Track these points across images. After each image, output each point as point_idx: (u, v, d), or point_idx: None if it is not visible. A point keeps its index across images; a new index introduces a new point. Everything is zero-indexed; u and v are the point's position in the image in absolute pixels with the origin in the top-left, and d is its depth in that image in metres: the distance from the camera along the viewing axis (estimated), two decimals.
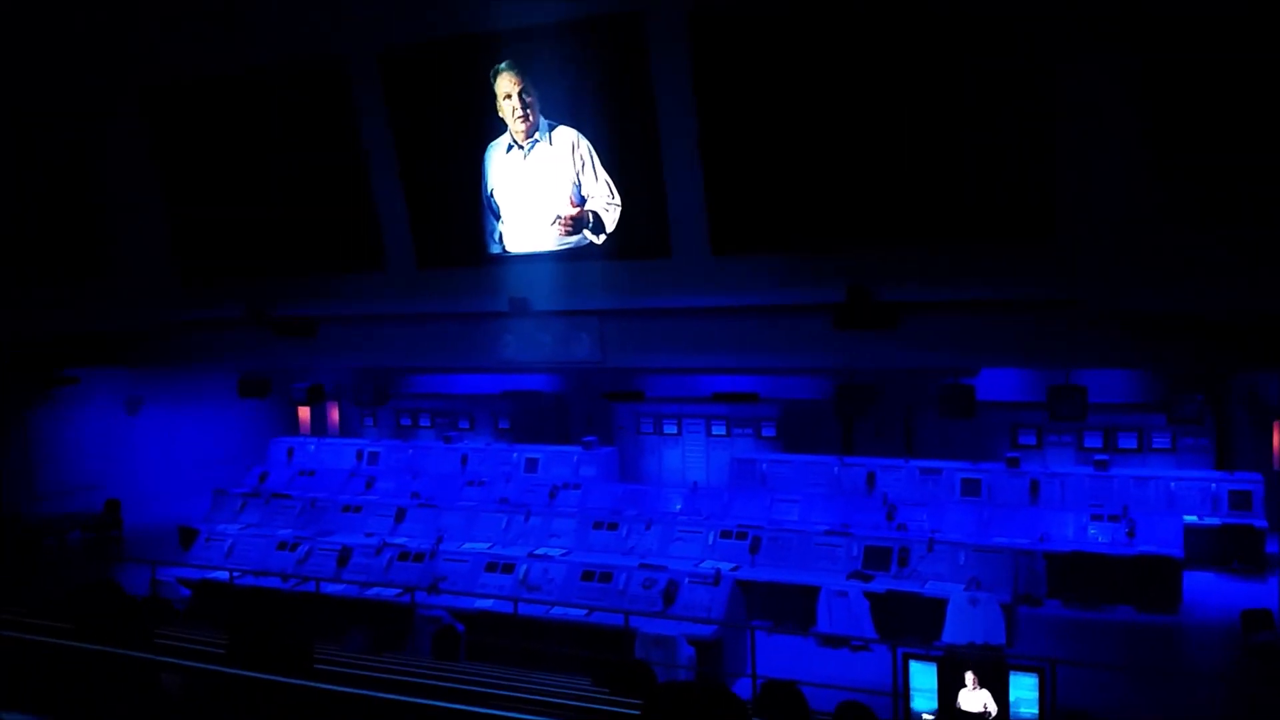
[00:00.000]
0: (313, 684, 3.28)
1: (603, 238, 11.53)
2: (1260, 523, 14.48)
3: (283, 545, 13.81)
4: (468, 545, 14.14)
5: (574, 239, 11.69)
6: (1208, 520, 14.56)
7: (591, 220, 11.54)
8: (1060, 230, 9.53)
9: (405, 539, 14.38)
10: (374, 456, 19.90)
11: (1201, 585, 13.71)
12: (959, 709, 7.50)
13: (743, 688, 10.51)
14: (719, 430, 19.77)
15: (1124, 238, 9.28)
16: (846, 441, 18.53)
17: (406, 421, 22.21)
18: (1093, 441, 16.96)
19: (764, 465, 17.31)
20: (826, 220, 10.48)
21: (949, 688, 7.62)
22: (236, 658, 3.54)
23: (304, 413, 22.99)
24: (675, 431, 20.14)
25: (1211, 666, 11.26)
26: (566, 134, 11.40)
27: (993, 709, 7.47)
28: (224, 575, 13.03)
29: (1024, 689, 7.61)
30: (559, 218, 11.68)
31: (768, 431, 19.31)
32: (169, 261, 14.05)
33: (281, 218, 13.05)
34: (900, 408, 18.16)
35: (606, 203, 11.42)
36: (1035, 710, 7.59)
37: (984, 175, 9.74)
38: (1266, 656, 10.97)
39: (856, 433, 18.64)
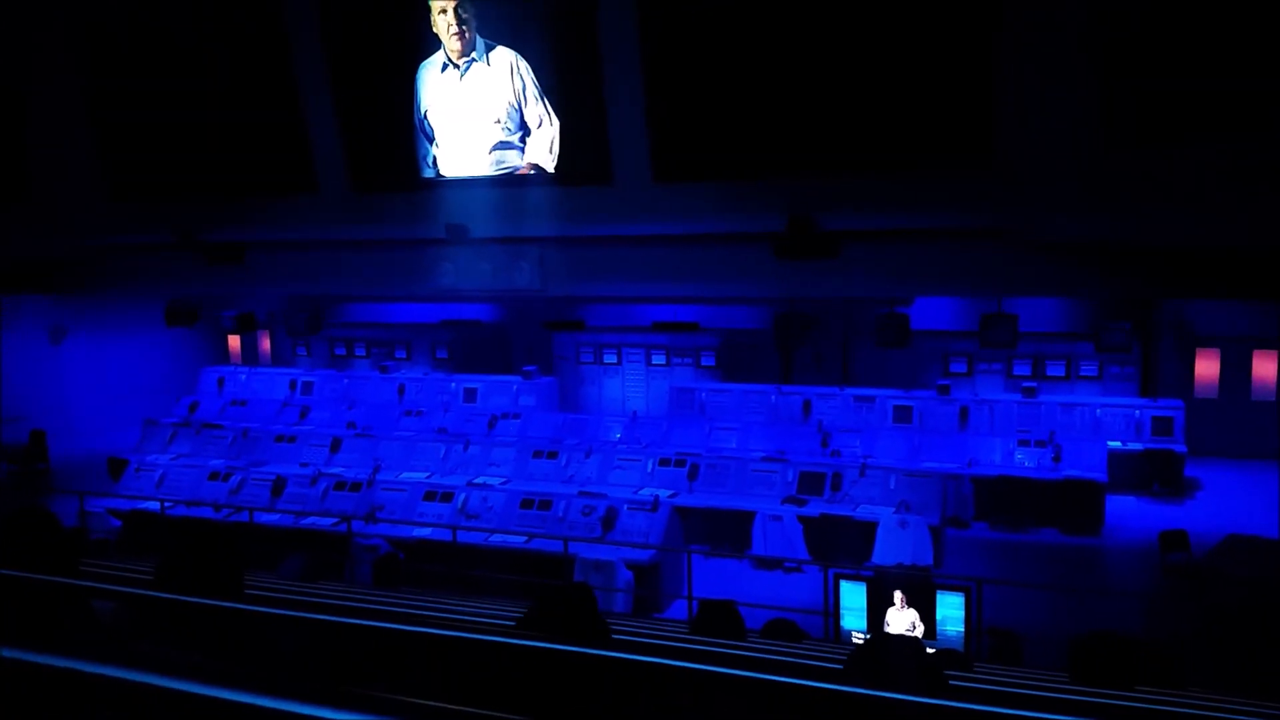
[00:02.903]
0: (243, 606, 3.23)
1: (506, 165, 11.35)
2: (1180, 448, 15.01)
3: (215, 475, 13.61)
4: (406, 475, 14.05)
5: (503, 159, 11.47)
6: (1131, 445, 15.05)
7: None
8: (997, 159, 9.58)
9: (341, 469, 14.25)
10: (308, 386, 19.59)
11: (1123, 508, 14.23)
12: (887, 626, 7.73)
13: (679, 609, 10.71)
14: (659, 360, 19.81)
15: (1058, 167, 9.36)
16: (785, 370, 18.71)
17: (341, 351, 21.85)
18: (1022, 369, 17.37)
19: (703, 394, 17.41)
20: (768, 147, 10.41)
21: (878, 606, 7.86)
22: (165, 582, 3.48)
23: (234, 341, 22.50)
24: (615, 361, 20.14)
25: (1130, 585, 11.73)
26: (505, 55, 11.10)
27: (920, 627, 7.71)
28: (155, 506, 12.81)
29: (950, 608, 7.87)
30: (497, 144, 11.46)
31: (707, 361, 19.41)
32: (95, 184, 13.49)
33: (210, 138, 12.58)
34: (838, 337, 18.38)
35: (539, 126, 11.20)
36: (961, 628, 7.86)
37: (923, 103, 9.73)
38: (1181, 575, 11.47)
39: (795, 362, 18.83)
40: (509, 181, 11.53)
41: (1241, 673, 8.51)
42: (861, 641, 6.81)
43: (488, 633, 3.66)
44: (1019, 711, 2.31)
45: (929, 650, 6.99)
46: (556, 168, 11.26)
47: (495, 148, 11.53)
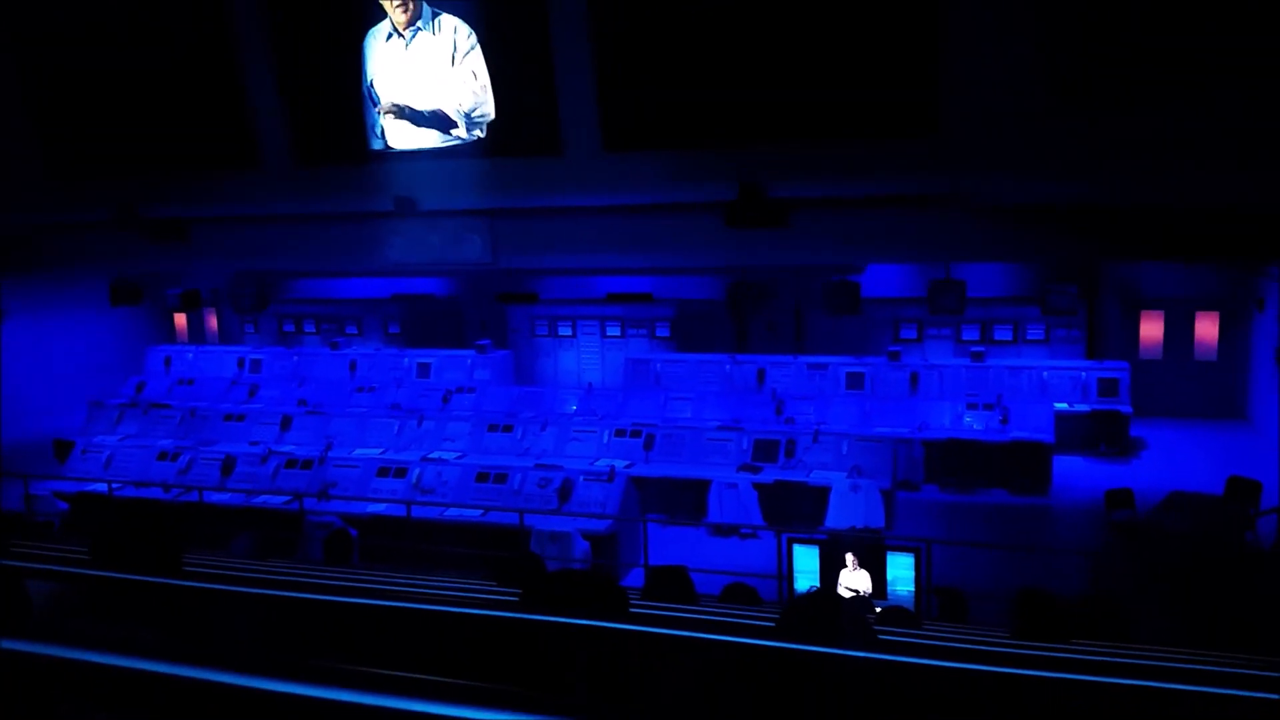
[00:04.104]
0: (175, 582, 3.19)
1: (452, 138, 11.22)
2: (1126, 408, 15.32)
3: (163, 455, 13.41)
4: (359, 451, 13.95)
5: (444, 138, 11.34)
6: (1077, 407, 15.34)
7: (442, 120, 11.21)
8: (942, 125, 9.65)
9: (293, 447, 14.09)
10: (256, 364, 19.30)
11: (1070, 468, 14.51)
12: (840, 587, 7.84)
13: (636, 577, 10.78)
14: (614, 331, 19.79)
15: (1003, 132, 9.45)
16: (739, 339, 18.79)
17: (290, 328, 21.52)
18: (970, 334, 17.59)
19: (658, 365, 17.44)
20: (718, 116, 10.38)
21: (830, 568, 7.97)
22: (100, 561, 3.42)
23: (180, 320, 22.09)
24: (570, 333, 20.08)
25: (1076, 543, 11.99)
26: (451, 23, 10.93)
27: (868, 588, 7.83)
28: (102, 488, 12.60)
29: (901, 568, 8.01)
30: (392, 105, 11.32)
31: (662, 331, 19.42)
32: (32, 160, 13.11)
33: (149, 112, 12.27)
34: (791, 305, 18.47)
35: (473, 103, 11.06)
36: (911, 587, 8.00)
37: (870, 70, 9.76)
38: (1126, 532, 11.75)
39: (749, 331, 18.91)
40: (458, 153, 11.40)
41: (1182, 625, 8.76)
42: (791, 600, 6.91)
43: (434, 604, 3.66)
44: (932, 661, 2.36)
45: (877, 608, 7.11)
46: (507, 138, 11.13)
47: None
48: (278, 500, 12.07)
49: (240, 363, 19.44)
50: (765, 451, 13.25)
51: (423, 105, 11.33)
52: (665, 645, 2.60)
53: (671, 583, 5.51)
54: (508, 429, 14.40)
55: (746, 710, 2.53)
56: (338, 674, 2.35)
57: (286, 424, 15.21)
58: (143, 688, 2.48)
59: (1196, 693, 2.72)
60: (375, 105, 11.53)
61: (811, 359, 16.69)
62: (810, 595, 3.63)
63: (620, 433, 14.01)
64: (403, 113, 11.38)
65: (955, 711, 2.44)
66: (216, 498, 12.31)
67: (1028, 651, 3.53)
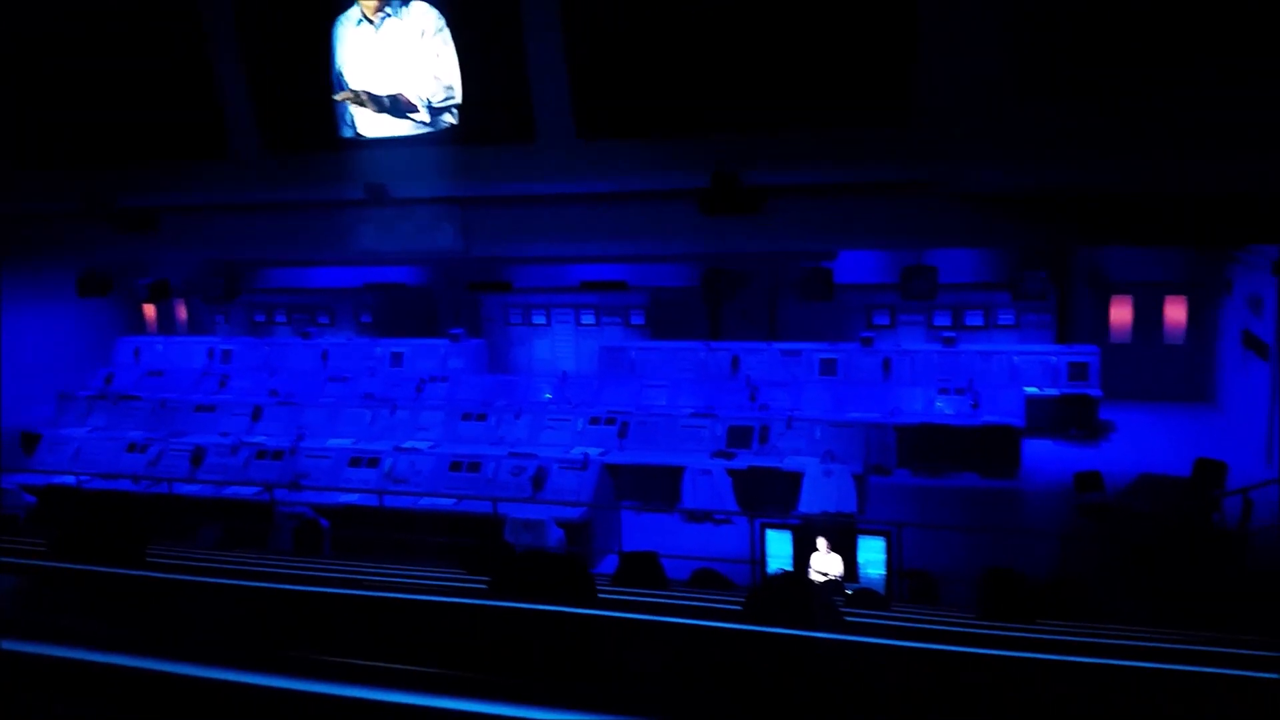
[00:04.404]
0: (137, 573, 3.15)
1: (428, 123, 11.15)
2: (1095, 392, 15.48)
3: (132, 447, 13.27)
4: (331, 441, 13.86)
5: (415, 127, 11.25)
6: (1047, 391, 15.48)
7: (401, 106, 11.14)
8: (915, 112, 9.68)
9: (264, 437, 13.99)
10: (227, 355, 19.12)
11: (1040, 451, 14.66)
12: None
13: (611, 564, 10.79)
14: (588, 319, 19.76)
15: (975, 119, 9.50)
16: (714, 327, 18.81)
17: (261, 318, 21.33)
18: (942, 320, 17.70)
19: (633, 352, 17.44)
20: (692, 103, 10.37)
21: (803, 553, 8.01)
22: (61, 553, 3.38)
23: (150, 310, 21.81)
24: (544, 322, 20.03)
25: (1046, 525, 12.12)
26: (421, 9, 10.83)
27: (840, 571, 7.88)
28: (71, 480, 12.46)
29: (872, 551, 8.07)
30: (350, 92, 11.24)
31: (636, 319, 19.41)
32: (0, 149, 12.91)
33: (117, 100, 12.10)
34: (765, 292, 18.50)
35: (434, 89, 10.98)
36: (882, 571, 8.06)
37: (844, 58, 9.77)
38: (1095, 514, 11.89)
39: (723, 318, 18.94)
40: (430, 140, 11.31)
41: (1149, 604, 8.88)
42: (759, 583, 6.96)
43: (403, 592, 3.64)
44: (894, 641, 2.37)
45: (848, 591, 7.16)
46: (479, 126, 11.06)
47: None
48: (249, 491, 11.98)
49: (210, 353, 19.26)
50: (739, 438, 13.29)
51: (384, 91, 11.23)
52: (631, 629, 2.61)
53: (642, 568, 5.52)
54: (481, 418, 14.35)
55: (714, 692, 2.54)
56: (300, 664, 2.34)
57: (257, 414, 15.09)
58: (106, 681, 2.45)
59: (1159, 669, 2.75)
60: (340, 93, 11.43)
61: (785, 345, 16.74)
62: (777, 578, 3.65)
63: (595, 420, 14.00)
64: (359, 98, 11.29)
65: (919, 690, 2.46)
66: (186, 489, 12.20)
67: (990, 631, 3.56)
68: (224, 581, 3.24)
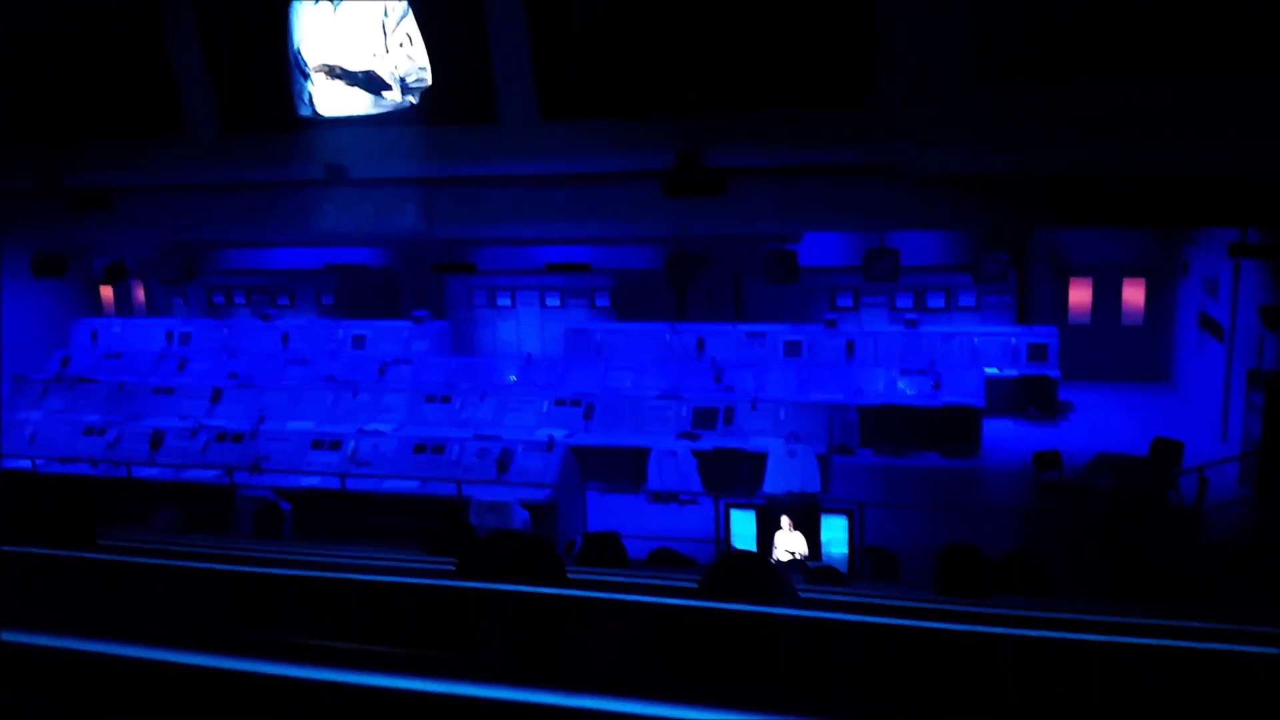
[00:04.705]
0: (88, 555, 3.10)
1: (387, 102, 11.02)
2: (1054, 373, 15.68)
3: (90, 430, 13.07)
4: (292, 424, 13.73)
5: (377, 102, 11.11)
6: (1007, 371, 15.66)
7: (376, 82, 11.00)
8: (880, 94, 9.71)
9: (223, 420, 13.83)
10: (185, 337, 18.85)
11: (1000, 431, 14.84)
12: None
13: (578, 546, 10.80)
14: (553, 302, 19.69)
15: (939, 101, 9.54)
16: (679, 309, 18.82)
17: (220, 299, 21.01)
18: (904, 302, 17.83)
19: (598, 335, 17.41)
20: (655, 83, 10.34)
21: (766, 532, 8.07)
22: (9, 535, 3.31)
23: (106, 292, 21.44)
24: (509, 304, 19.93)
25: (1006, 503, 12.29)
26: None
27: (804, 550, 7.94)
28: (25, 464, 12.26)
29: (835, 530, 8.14)
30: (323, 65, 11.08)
31: (601, 301, 19.37)
32: None
33: (70, 76, 11.85)
34: (729, 274, 18.53)
35: (407, 68, 10.84)
36: (845, 549, 8.14)
37: (807, 40, 9.77)
38: (1054, 493, 12.07)
39: (688, 300, 18.95)
40: (391, 120, 11.18)
41: (1106, 579, 9.04)
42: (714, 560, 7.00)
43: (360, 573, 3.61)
44: (850, 617, 2.39)
45: (809, 567, 7.22)
46: (441, 105, 10.95)
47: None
48: (208, 475, 11.85)
49: (169, 336, 18.98)
50: (704, 419, 13.33)
51: (355, 67, 11.09)
52: (595, 607, 2.61)
53: (604, 548, 5.53)
54: (445, 400, 14.28)
55: (671, 668, 2.55)
56: (260, 646, 2.31)
57: (217, 397, 14.91)
58: (51, 666, 2.41)
59: (1107, 643, 2.79)
60: (303, 70, 11.26)
61: (750, 327, 16.80)
62: (733, 555, 3.67)
63: (560, 402, 13.98)
64: (334, 72, 11.13)
65: (873, 664, 2.48)
66: (145, 473, 12.04)
67: (945, 606, 3.61)
68: (178, 564, 3.20)
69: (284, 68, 11.29)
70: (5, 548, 3.11)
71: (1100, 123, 9.04)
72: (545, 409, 13.94)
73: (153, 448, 12.56)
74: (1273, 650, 2.50)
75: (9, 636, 2.40)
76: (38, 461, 12.32)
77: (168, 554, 3.78)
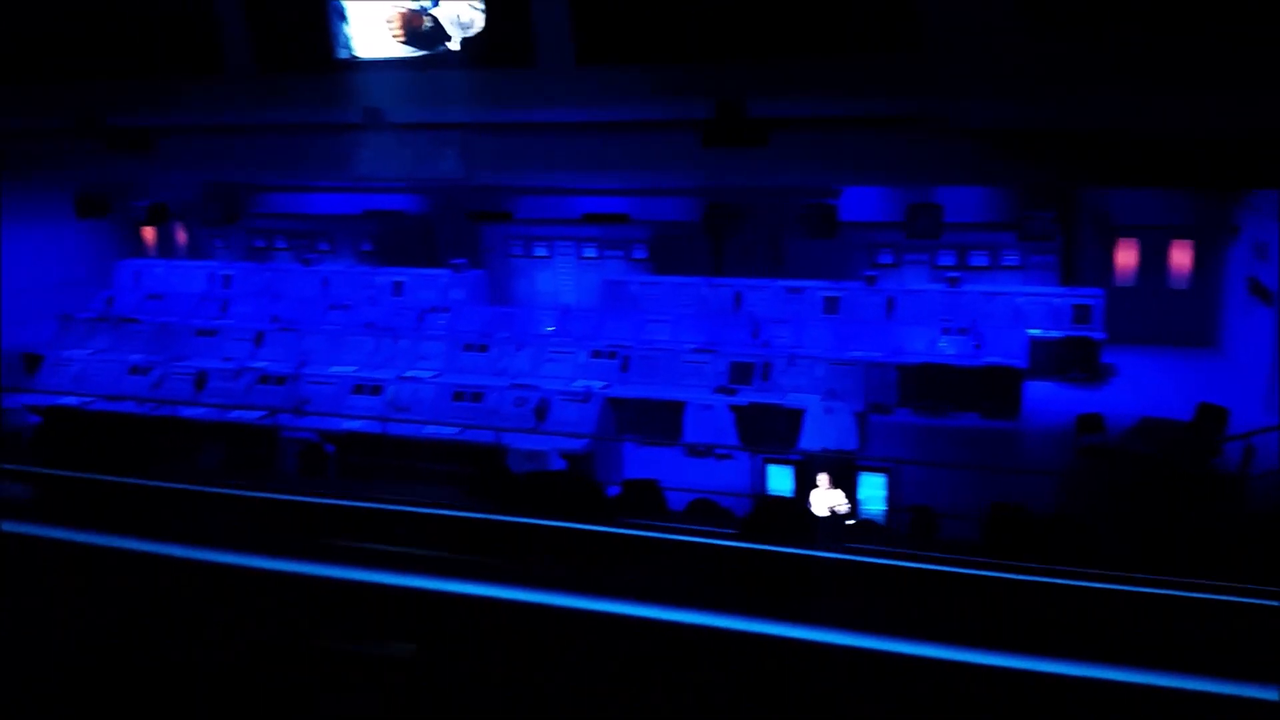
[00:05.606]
0: (148, 483, 3.15)
1: (446, 47, 10.91)
2: (1099, 335, 15.44)
3: (135, 370, 13.27)
4: (334, 368, 13.85)
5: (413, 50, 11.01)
6: (1050, 333, 15.44)
7: (430, 28, 10.88)
8: (924, 43, 9.49)
9: (266, 363, 13.97)
10: (227, 280, 19.02)
11: (1041, 394, 14.66)
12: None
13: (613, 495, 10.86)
14: (590, 253, 19.63)
15: (985, 52, 9.32)
16: (716, 263, 18.70)
17: (260, 243, 21.16)
18: (946, 259, 17.59)
19: (635, 287, 17.36)
20: (695, 28, 10.15)
21: (804, 488, 8.04)
22: (74, 465, 3.36)
23: (149, 233, 21.66)
24: (546, 254, 19.89)
25: (1046, 465, 12.16)
26: None
27: (844, 507, 7.92)
28: (74, 401, 12.48)
29: (872, 488, 8.11)
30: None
31: (638, 254, 19.29)
32: None
33: (109, 14, 11.84)
34: (767, 228, 18.35)
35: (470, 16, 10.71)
36: (883, 506, 8.11)
37: None
38: (1095, 456, 11.92)
39: (726, 254, 18.81)
40: (428, 64, 11.09)
41: (1146, 546, 8.93)
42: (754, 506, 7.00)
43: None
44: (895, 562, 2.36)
45: (849, 523, 7.21)
46: (479, 48, 10.84)
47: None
48: (252, 415, 12.00)
49: (211, 278, 19.16)
50: (741, 374, 13.29)
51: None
52: (641, 546, 2.61)
53: (643, 496, 5.53)
54: (483, 349, 14.32)
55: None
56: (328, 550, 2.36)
57: (260, 340, 15.07)
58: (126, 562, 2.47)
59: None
60: (341, 15, 11.18)
61: (788, 283, 16.66)
62: (777, 498, 3.64)
63: (597, 354, 13.98)
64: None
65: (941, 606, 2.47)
66: (189, 412, 12.22)
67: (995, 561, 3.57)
68: (236, 493, 3.24)
69: (321, 7, 11.21)
70: (79, 474, 3.16)
71: (1150, 76, 8.78)
72: (582, 360, 13.96)
73: (197, 388, 12.73)
74: None
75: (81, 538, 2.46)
76: (86, 399, 12.53)
77: (226, 484, 3.82)
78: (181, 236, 22.03)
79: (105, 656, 2.53)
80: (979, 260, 17.48)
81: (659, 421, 12.99)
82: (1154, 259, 17.49)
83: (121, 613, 2.47)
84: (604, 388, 12.99)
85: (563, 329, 15.81)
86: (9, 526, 2.56)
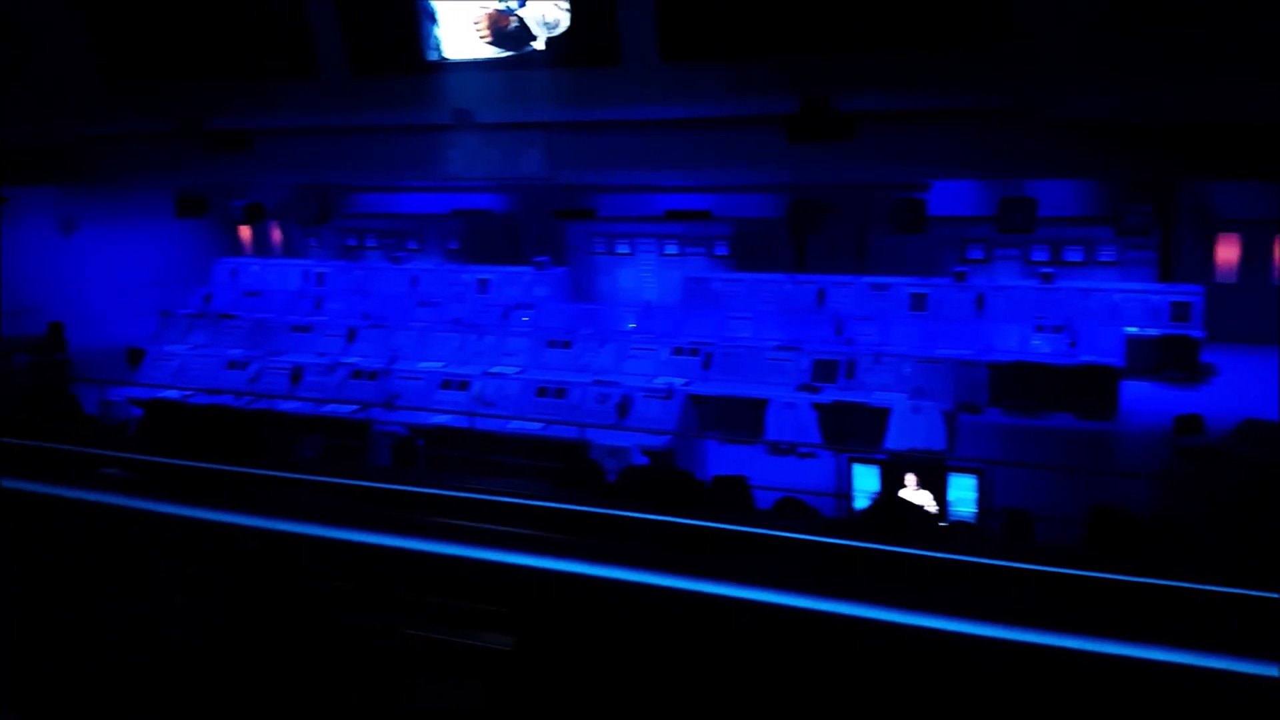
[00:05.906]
0: (263, 472, 3.26)
1: (532, 47, 11.03)
2: (1198, 333, 14.90)
3: (233, 364, 13.72)
4: (422, 364, 14.12)
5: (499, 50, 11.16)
6: (1148, 331, 14.94)
7: (516, 28, 11.00)
8: (1015, 35, 9.28)
9: (358, 358, 14.32)
10: (321, 277, 19.56)
11: (1139, 393, 14.19)
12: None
13: None
14: (671, 250, 19.66)
15: (1077, 43, 9.08)
16: (799, 259, 18.54)
17: (352, 242, 21.74)
18: (1040, 255, 17.16)
19: (716, 284, 17.32)
20: (779, 23, 10.08)
21: (891, 488, 7.91)
22: (182, 453, 3.51)
23: (245, 232, 22.41)
24: (628, 251, 19.99)
25: (1143, 468, 11.77)
26: None
27: (932, 508, 7.78)
28: (175, 394, 12.95)
29: (963, 489, 7.93)
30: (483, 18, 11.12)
31: (720, 250, 19.25)
32: (91, 70, 13.24)
33: (208, 21, 12.27)
34: (853, 224, 18.13)
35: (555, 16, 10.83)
36: (973, 509, 7.93)
37: None
38: (1195, 459, 11.50)
39: (809, 250, 18.64)
40: (515, 64, 11.23)
41: (1249, 552, 8.59)
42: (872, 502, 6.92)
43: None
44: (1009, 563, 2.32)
45: (942, 525, 7.08)
46: (564, 47, 10.94)
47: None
48: (346, 409, 12.30)
49: (305, 276, 19.72)
50: (824, 371, 13.16)
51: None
52: (743, 541, 2.62)
53: (731, 492, 5.52)
54: (566, 345, 14.45)
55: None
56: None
57: (352, 336, 15.46)
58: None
59: None
60: (432, 17, 11.38)
61: (874, 279, 16.44)
62: (887, 498, 3.61)
63: (678, 351, 13.99)
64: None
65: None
66: (286, 406, 12.59)
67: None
68: (339, 480, 3.35)
69: (411, 11, 11.43)
70: (192, 462, 3.31)
71: (1249, 65, 8.43)
72: (664, 357, 13.98)
73: (293, 382, 13.11)
74: None
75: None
76: (187, 393, 12.99)
77: (330, 472, 3.96)
78: (276, 235, 22.74)
79: (215, 631, 2.64)
80: (1074, 256, 17.02)
81: (740, 419, 12.93)
82: (1256, 254, 16.79)
83: (229, 585, 2.58)
84: (685, 385, 12.99)
85: (645, 326, 15.86)
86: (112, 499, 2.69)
